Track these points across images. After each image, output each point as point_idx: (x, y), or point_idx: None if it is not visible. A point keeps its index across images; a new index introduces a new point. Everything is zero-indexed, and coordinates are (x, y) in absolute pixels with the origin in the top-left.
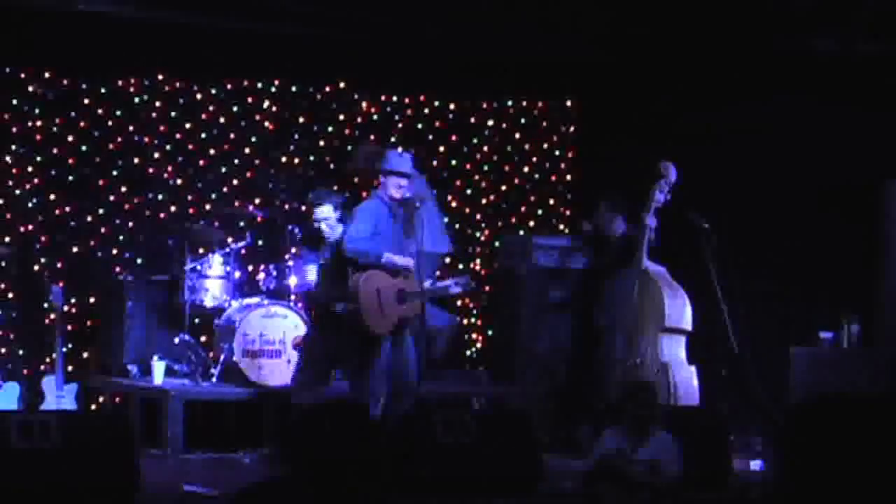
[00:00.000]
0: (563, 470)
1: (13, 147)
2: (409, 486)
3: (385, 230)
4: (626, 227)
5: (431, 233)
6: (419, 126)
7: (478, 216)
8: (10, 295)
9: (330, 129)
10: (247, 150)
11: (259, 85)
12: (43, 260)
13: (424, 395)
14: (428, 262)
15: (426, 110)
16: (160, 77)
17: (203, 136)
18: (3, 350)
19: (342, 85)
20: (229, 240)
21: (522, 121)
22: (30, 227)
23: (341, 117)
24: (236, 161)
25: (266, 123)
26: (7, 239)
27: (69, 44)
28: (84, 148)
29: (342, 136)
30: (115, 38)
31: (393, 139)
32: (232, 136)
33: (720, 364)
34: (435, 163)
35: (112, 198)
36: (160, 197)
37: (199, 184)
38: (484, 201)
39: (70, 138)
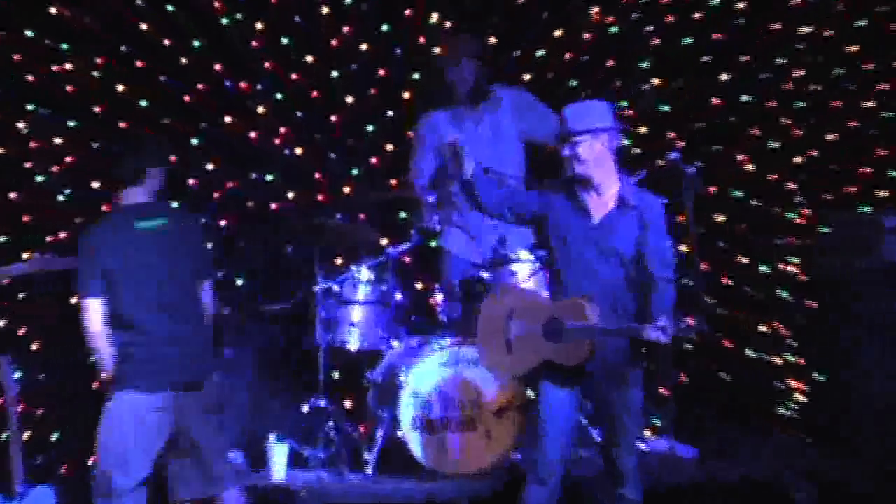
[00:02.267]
0: None
1: None
2: None
3: (575, 241)
4: None
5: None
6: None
7: (788, 186)
8: None
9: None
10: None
11: None
12: None
13: (688, 479)
14: None
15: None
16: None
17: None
18: None
19: None
20: (384, 242)
21: (857, 25)
22: None
23: None
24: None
25: None
26: None
27: None
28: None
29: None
30: None
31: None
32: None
33: None
34: (715, 101)
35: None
36: (269, 178)
37: (331, 153)
38: (799, 160)
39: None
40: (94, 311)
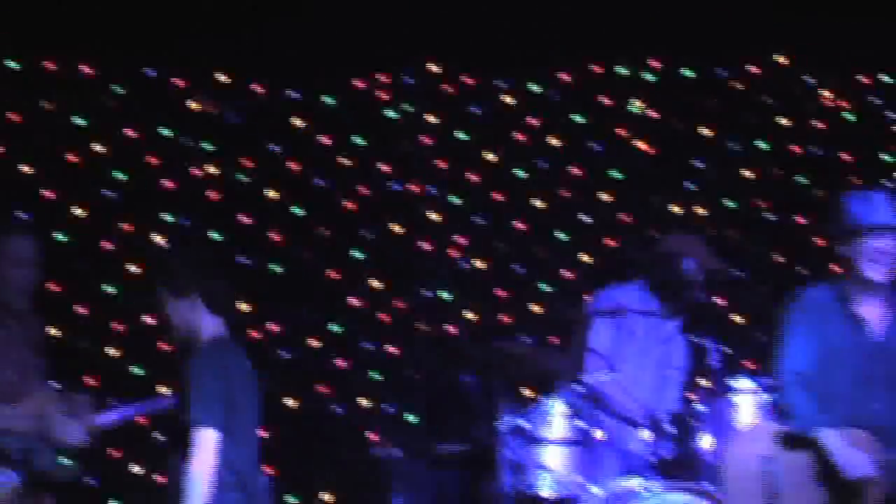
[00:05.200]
0: None
1: None
2: None
3: (851, 361)
4: None
5: None
6: None
7: None
8: None
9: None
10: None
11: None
12: None
13: None
14: None
15: None
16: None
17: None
18: None
19: None
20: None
21: None
22: None
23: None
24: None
25: None
26: None
27: None
28: None
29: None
30: None
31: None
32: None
33: None
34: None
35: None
36: (443, 296)
37: (516, 266)
38: None
39: None
40: (207, 446)
